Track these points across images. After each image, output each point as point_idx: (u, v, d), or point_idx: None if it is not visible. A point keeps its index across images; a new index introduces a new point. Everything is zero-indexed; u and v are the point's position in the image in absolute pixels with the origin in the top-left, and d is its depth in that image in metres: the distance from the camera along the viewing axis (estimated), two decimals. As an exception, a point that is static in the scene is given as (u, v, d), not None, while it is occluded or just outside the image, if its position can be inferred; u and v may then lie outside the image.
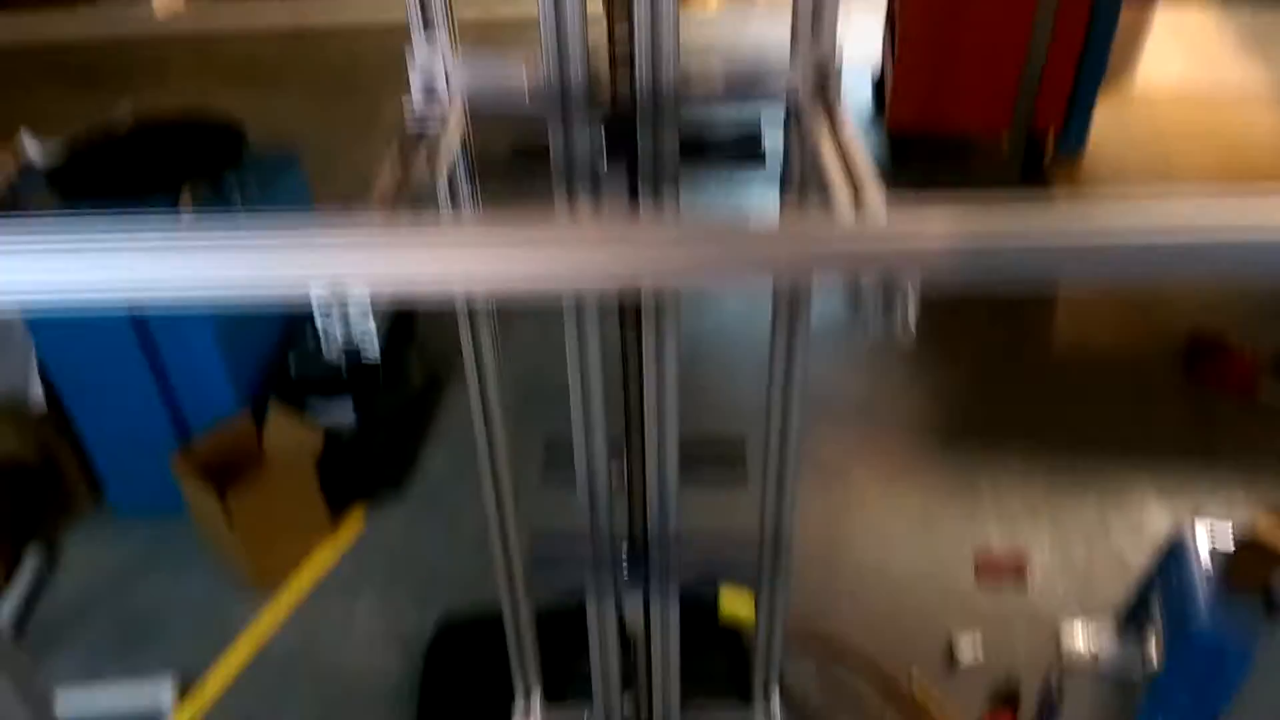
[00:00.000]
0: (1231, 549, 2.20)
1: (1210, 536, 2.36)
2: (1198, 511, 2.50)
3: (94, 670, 2.60)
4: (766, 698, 1.45)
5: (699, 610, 2.35)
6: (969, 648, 2.60)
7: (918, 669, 2.55)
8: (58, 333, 2.69)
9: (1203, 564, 2.28)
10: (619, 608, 1.27)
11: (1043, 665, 2.57)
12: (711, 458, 1.14)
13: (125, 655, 2.64)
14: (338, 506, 3.01)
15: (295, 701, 2.51)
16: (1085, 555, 2.88)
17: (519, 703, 1.45)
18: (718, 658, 2.27)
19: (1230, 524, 2.34)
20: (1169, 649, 2.26)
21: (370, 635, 2.68)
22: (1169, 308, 3.90)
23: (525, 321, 3.86)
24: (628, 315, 1.06)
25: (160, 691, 2.48)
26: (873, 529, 2.99)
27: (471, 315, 1.11)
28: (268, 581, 2.81)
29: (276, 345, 3.05)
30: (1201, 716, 1.10)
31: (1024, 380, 3.60)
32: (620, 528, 1.20)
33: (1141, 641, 2.63)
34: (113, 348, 2.68)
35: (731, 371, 3.56)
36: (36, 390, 2.75)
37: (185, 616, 2.75)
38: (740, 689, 1.47)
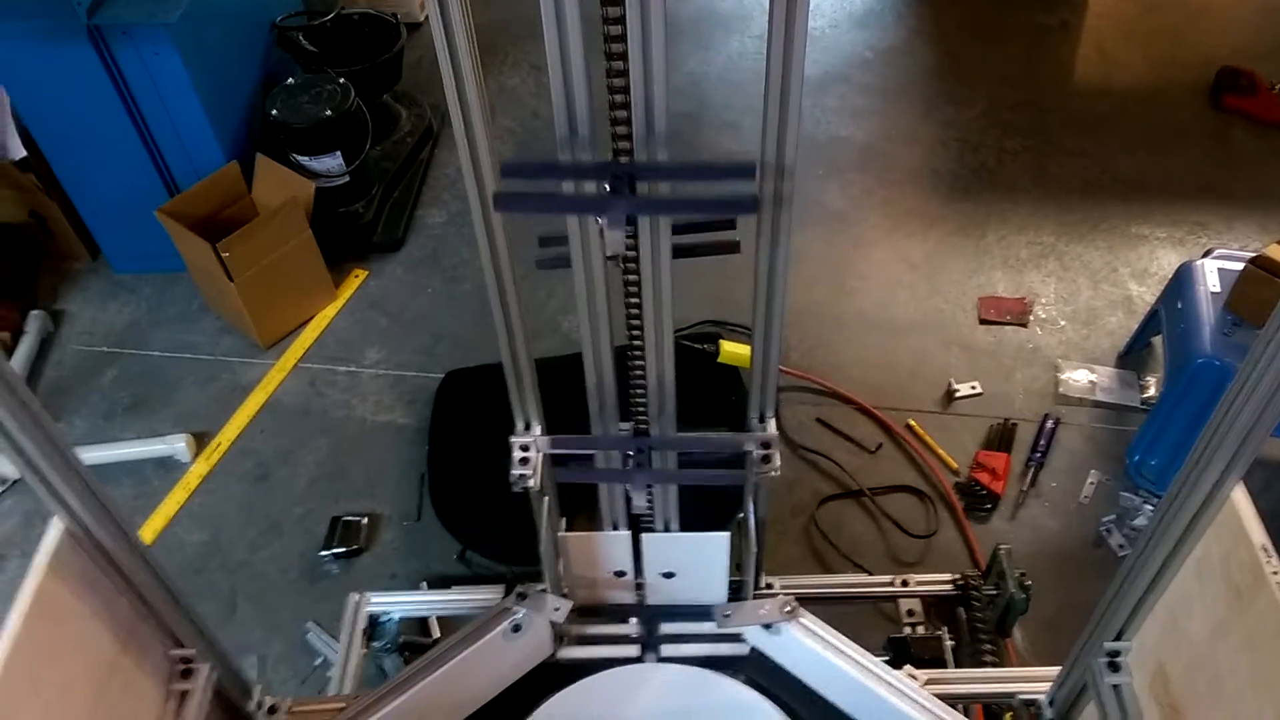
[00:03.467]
0: (1239, 274, 2.16)
1: (1219, 267, 2.31)
2: (1209, 251, 2.44)
3: (105, 431, 2.65)
4: (763, 423, 1.46)
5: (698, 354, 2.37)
6: (967, 391, 2.62)
7: (916, 412, 2.58)
8: (34, 86, 2.56)
9: (1210, 291, 2.24)
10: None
11: (1040, 406, 2.60)
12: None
13: (136, 414, 2.68)
14: (338, 267, 2.98)
15: (309, 448, 2.58)
16: (1090, 298, 2.85)
17: (518, 429, 1.46)
18: (716, 392, 2.30)
19: (1240, 255, 2.29)
20: (1171, 377, 2.26)
21: (378, 388, 2.71)
22: (1199, 44, 3.68)
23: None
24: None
25: (176, 441, 2.54)
26: (877, 276, 2.95)
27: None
28: (272, 340, 2.82)
29: (257, 95, 2.93)
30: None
31: (1042, 116, 3.45)
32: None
33: (1141, 372, 2.64)
34: (90, 98, 2.56)
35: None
36: (15, 142, 2.65)
37: (193, 375, 2.77)
38: (737, 422, 1.48)
